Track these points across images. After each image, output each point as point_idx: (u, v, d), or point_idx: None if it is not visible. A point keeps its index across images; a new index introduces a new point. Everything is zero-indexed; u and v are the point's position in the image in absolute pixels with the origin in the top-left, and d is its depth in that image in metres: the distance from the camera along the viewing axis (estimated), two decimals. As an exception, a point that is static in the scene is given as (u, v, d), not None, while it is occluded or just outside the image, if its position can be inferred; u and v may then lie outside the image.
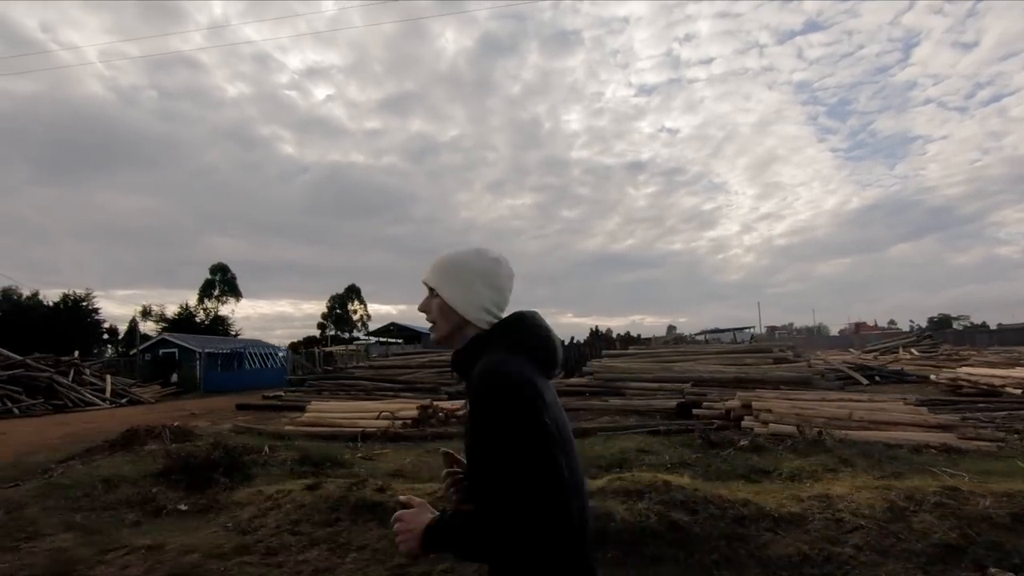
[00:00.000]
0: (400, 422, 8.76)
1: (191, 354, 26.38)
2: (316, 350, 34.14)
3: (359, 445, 7.67)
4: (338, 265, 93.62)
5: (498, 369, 1.05)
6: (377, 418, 8.93)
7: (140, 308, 67.44)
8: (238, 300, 76.17)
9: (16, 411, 15.91)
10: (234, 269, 74.78)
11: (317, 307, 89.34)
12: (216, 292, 76.74)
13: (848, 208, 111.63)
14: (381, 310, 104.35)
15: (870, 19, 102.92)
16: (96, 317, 63.91)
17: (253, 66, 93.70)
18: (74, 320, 60.87)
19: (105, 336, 65.24)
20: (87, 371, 19.78)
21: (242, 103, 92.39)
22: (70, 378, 18.38)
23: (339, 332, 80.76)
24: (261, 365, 27.18)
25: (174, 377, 24.41)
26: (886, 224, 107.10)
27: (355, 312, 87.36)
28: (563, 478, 0.99)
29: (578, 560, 1.05)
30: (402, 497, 1.18)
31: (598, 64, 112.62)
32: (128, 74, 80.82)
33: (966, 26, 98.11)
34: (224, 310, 73.01)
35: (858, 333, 41.98)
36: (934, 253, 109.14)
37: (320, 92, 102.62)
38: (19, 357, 18.25)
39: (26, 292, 61.20)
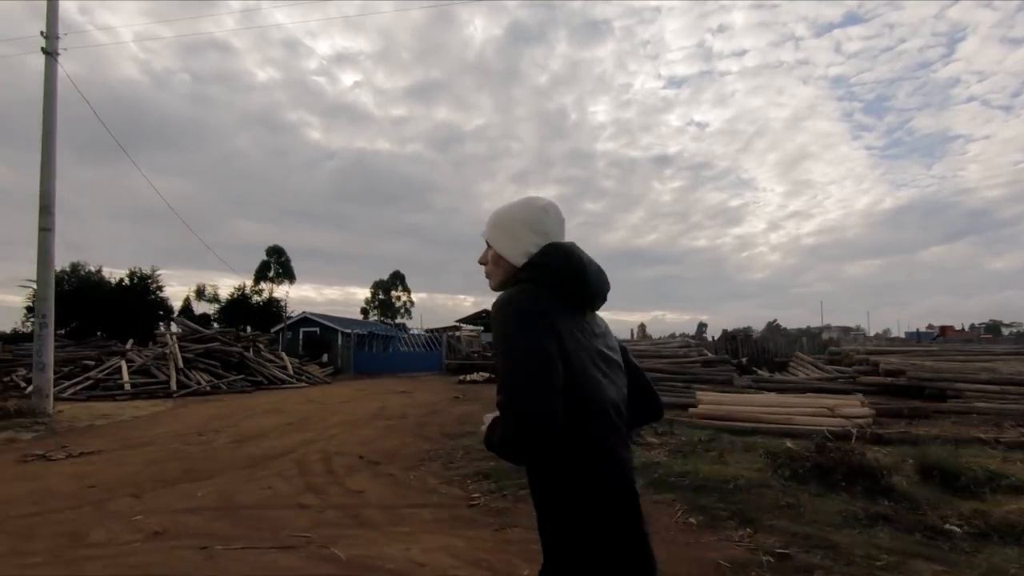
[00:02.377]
0: (859, 421, 7.57)
1: (333, 333, 26.18)
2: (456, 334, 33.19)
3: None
4: (361, 252, 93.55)
5: (501, 297, 1.16)
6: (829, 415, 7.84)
7: (194, 288, 67.25)
8: (292, 282, 76.11)
9: (223, 387, 15.88)
10: (258, 252, 74.58)
11: (337, 293, 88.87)
12: (271, 274, 76.56)
13: (880, 208, 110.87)
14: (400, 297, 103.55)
15: (913, 12, 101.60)
16: (160, 295, 63.83)
17: (282, 51, 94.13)
18: (139, 297, 60.46)
19: (162, 313, 65.08)
20: (263, 348, 19.67)
21: (271, 88, 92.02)
22: (251, 354, 18.33)
23: (382, 319, 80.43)
24: (411, 348, 27.12)
25: (325, 357, 24.09)
26: (920, 226, 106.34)
27: (398, 299, 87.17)
28: (552, 394, 1.04)
29: (591, 468, 1.11)
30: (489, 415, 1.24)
31: (627, 55, 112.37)
32: (162, 57, 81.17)
33: (1015, 21, 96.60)
34: (278, 292, 73.02)
35: (943, 336, 40.26)
36: (970, 257, 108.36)
37: (348, 78, 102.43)
38: (209, 331, 18.17)
39: (91, 268, 60.76)
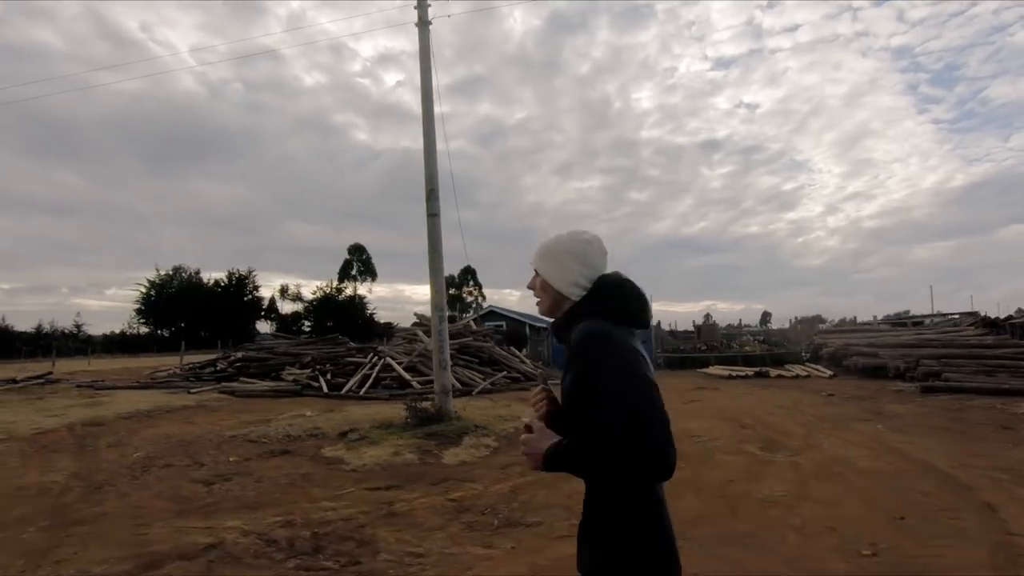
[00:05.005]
0: None
1: (520, 326, 24.98)
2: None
3: None
4: (408, 250, 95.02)
5: (592, 330, 1.25)
6: None
7: (279, 288, 69.99)
8: (374, 280, 77.46)
9: (489, 386, 14.48)
10: (311, 253, 76.96)
11: (386, 291, 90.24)
12: (353, 272, 78.18)
13: (951, 186, 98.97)
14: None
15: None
16: (256, 295, 66.47)
17: (328, 56, 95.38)
18: (236, 297, 63.28)
19: (261, 312, 67.75)
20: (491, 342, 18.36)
21: (319, 92, 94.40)
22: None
23: (453, 315, 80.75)
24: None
25: (524, 351, 22.74)
26: (997, 203, 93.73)
27: (470, 294, 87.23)
28: (662, 409, 1.15)
29: (655, 490, 1.24)
30: (525, 419, 1.34)
31: (671, 38, 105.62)
32: (217, 68, 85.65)
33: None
34: (362, 290, 74.54)
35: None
36: None
37: (391, 78, 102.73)
38: (455, 327, 16.95)
39: (191, 270, 63.94)
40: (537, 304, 1.47)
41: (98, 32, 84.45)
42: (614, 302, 1.33)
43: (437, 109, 9.10)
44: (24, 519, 4.51)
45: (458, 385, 13.00)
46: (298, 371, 14.25)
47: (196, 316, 59.61)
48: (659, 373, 15.33)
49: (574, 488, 4.81)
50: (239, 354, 16.78)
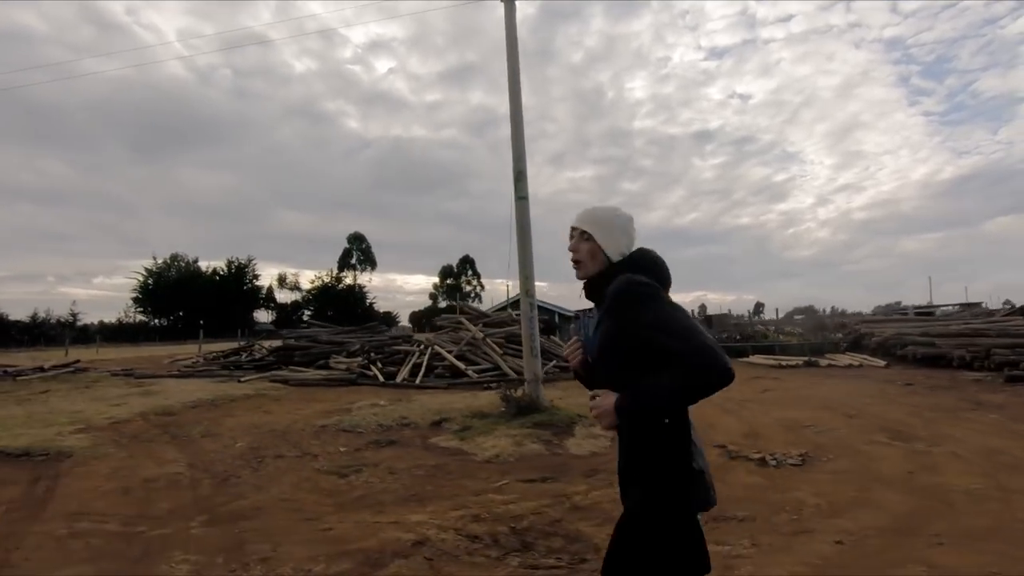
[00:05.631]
0: None
1: (548, 315, 24.76)
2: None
3: None
4: (400, 239, 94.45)
5: (634, 278, 1.41)
6: None
7: (276, 277, 69.18)
8: (374, 269, 76.73)
9: (545, 374, 14.21)
10: (302, 242, 76.66)
11: (377, 280, 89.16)
12: (353, 261, 77.43)
13: (940, 178, 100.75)
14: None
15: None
16: (256, 283, 65.62)
17: (318, 42, 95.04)
18: (236, 286, 62.49)
19: (260, 301, 66.96)
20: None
21: (309, 79, 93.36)
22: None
23: (450, 303, 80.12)
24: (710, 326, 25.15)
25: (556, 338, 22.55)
26: (985, 195, 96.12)
27: (468, 283, 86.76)
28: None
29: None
30: (591, 393, 1.51)
31: (665, 27, 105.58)
32: (204, 53, 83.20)
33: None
34: (362, 279, 73.86)
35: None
36: None
37: (382, 65, 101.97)
38: (494, 316, 16.70)
39: (189, 259, 63.02)
40: (577, 267, 1.57)
41: (82, 16, 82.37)
42: (647, 266, 1.49)
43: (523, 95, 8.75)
44: (176, 513, 4.24)
45: (513, 374, 12.75)
46: (346, 359, 13.95)
47: (195, 305, 58.70)
48: None
49: (739, 480, 4.49)
50: (277, 343, 16.44)
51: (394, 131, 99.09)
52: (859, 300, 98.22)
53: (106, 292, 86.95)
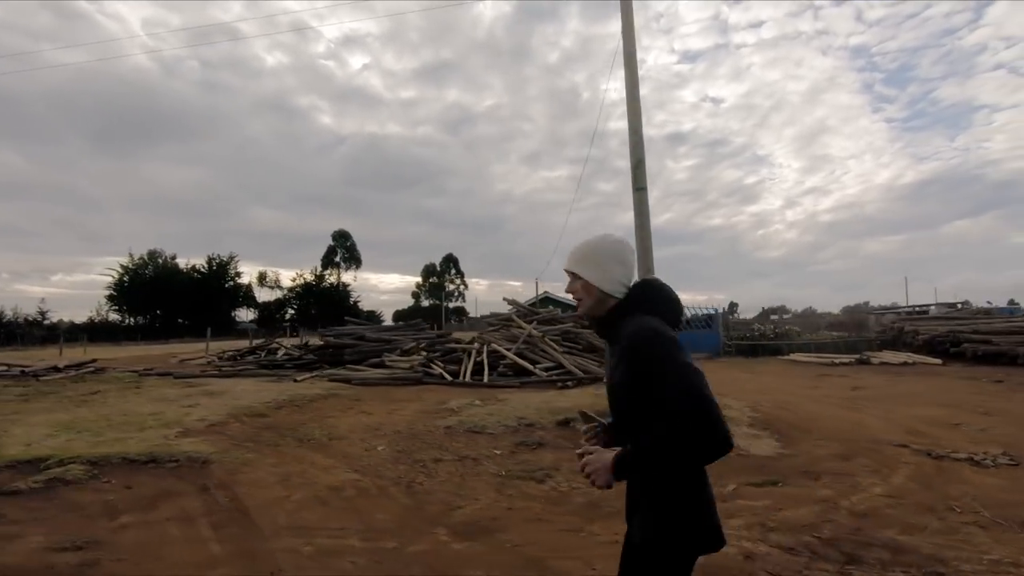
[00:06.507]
0: None
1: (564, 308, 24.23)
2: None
3: None
4: (374, 237, 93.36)
5: (648, 325, 1.36)
6: None
7: (256, 275, 67.18)
8: (358, 267, 75.24)
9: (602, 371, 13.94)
10: (275, 239, 75.58)
11: (348, 278, 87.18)
12: (337, 259, 75.86)
13: (901, 183, 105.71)
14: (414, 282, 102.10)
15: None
16: (238, 281, 63.54)
17: (290, 35, 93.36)
18: (217, 284, 60.41)
19: (241, 299, 64.88)
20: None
21: (281, 73, 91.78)
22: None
23: (433, 302, 79.29)
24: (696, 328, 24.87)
25: None
26: (943, 200, 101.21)
27: (451, 282, 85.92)
28: (710, 392, 1.24)
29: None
30: (583, 442, 1.49)
31: (640, 29, 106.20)
32: (171, 44, 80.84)
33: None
34: (346, 277, 72.22)
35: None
36: (995, 231, 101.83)
37: (356, 61, 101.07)
38: (546, 313, 16.29)
39: (168, 255, 60.76)
40: (577, 304, 1.55)
41: (41, 2, 78.78)
42: (659, 304, 1.45)
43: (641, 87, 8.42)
44: (406, 525, 3.81)
45: (579, 373, 12.41)
46: (401, 358, 13.42)
47: (174, 303, 56.31)
48: (734, 360, 14.65)
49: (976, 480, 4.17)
50: (319, 341, 15.80)
51: (369, 128, 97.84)
52: (827, 300, 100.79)
53: (65, 290, 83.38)
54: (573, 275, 1.54)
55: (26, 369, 15.36)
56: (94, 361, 17.38)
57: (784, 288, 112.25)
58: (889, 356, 15.91)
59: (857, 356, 15.52)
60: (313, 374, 12.82)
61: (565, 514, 4.02)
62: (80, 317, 53.00)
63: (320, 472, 5.12)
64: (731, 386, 10.57)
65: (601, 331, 1.54)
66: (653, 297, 1.47)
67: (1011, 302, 47.13)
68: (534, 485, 4.74)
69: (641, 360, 1.31)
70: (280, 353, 18.10)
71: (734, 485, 4.55)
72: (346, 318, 20.46)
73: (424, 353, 13.39)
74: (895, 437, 6.13)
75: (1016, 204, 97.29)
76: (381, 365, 13.15)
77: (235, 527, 3.79)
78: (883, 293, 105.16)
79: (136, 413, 8.33)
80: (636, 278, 1.54)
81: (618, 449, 1.32)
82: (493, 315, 17.10)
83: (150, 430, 7.03)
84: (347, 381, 11.82)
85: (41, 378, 14.09)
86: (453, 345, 14.12)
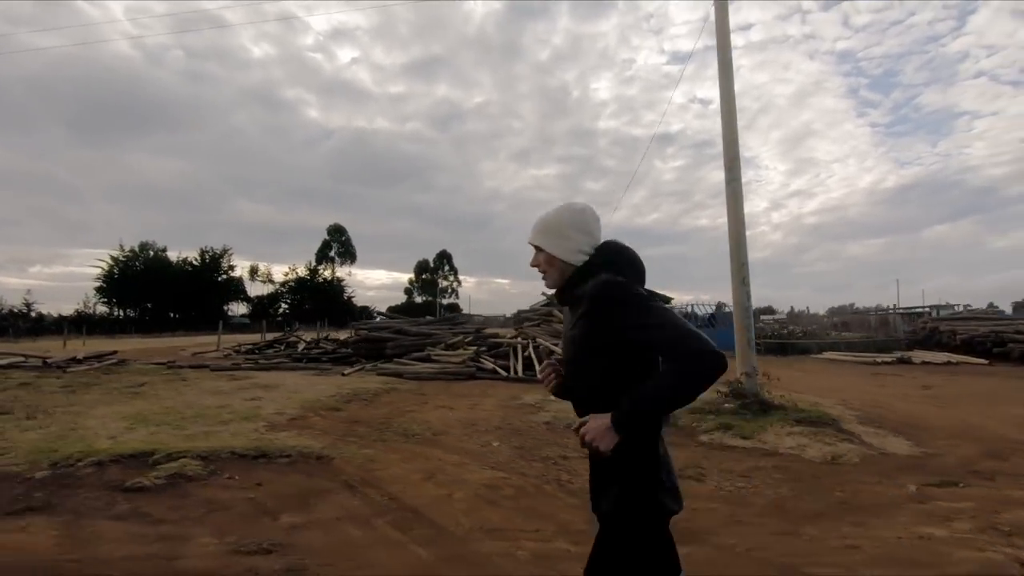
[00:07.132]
0: None
1: None
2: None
3: None
4: (361, 233, 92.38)
5: (614, 279, 1.33)
6: None
7: (248, 269, 66.10)
8: (353, 262, 74.37)
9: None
10: (260, 232, 74.54)
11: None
12: (332, 253, 74.91)
13: (884, 187, 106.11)
14: (402, 278, 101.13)
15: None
16: (231, 275, 62.39)
17: (278, 27, 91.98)
18: (211, 277, 59.30)
19: (233, 293, 63.71)
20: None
21: (267, 64, 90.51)
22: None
23: (426, 299, 78.72)
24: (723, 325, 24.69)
25: None
26: (923, 204, 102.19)
27: (445, 279, 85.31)
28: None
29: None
30: (578, 422, 1.38)
31: (631, 29, 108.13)
32: (155, 32, 78.99)
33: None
34: (340, 272, 71.28)
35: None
36: (973, 236, 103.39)
37: (345, 55, 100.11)
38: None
39: (159, 248, 59.53)
40: (543, 278, 1.51)
41: None
42: (622, 267, 1.40)
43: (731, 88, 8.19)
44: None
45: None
46: (445, 352, 13.11)
47: (166, 296, 55.12)
48: (766, 359, 13.99)
49: None
50: (351, 335, 15.42)
51: (356, 122, 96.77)
52: (811, 301, 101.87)
53: (44, 282, 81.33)
54: (537, 248, 1.50)
55: (49, 361, 14.85)
56: (115, 353, 16.86)
57: (768, 289, 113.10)
58: (929, 356, 15.87)
59: (898, 356, 15.45)
60: (356, 368, 12.46)
61: (758, 515, 3.76)
62: (61, 309, 51.52)
63: (457, 469, 4.83)
64: (797, 383, 10.38)
65: (563, 297, 1.49)
66: (614, 260, 1.42)
67: (990, 305, 47.78)
68: (695, 484, 4.48)
69: (611, 312, 1.29)
70: (301, 347, 17.72)
71: (914, 486, 4.33)
72: (376, 312, 20.01)
73: (472, 347, 13.06)
74: (1018, 435, 5.97)
75: (995, 210, 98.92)
76: (427, 359, 12.81)
77: (421, 528, 3.49)
78: (866, 295, 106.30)
79: (202, 405, 7.96)
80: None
81: (611, 413, 1.28)
82: (532, 309, 16.79)
83: (233, 423, 6.69)
84: (398, 375, 11.49)
85: (67, 370, 13.59)
86: (497, 340, 13.82)
